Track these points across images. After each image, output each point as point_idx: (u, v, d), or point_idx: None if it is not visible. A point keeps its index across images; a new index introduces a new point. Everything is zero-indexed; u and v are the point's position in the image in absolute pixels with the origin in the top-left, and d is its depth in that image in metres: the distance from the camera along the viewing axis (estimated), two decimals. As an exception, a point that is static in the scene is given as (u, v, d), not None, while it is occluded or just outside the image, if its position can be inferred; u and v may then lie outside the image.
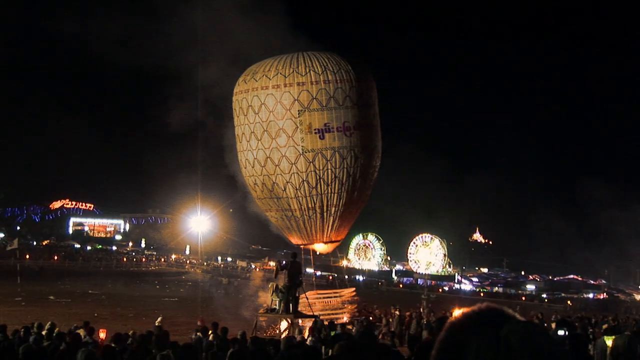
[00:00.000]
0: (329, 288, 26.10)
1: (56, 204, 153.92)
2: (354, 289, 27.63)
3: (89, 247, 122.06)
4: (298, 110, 24.21)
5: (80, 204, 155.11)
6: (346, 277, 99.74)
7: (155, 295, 50.15)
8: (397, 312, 29.88)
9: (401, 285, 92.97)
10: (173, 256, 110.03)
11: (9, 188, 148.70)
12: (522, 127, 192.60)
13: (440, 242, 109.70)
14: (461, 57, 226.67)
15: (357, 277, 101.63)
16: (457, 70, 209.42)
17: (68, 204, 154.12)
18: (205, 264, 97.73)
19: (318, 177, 24.49)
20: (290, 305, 22.83)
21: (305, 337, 17.48)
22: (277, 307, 23.03)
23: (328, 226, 25.42)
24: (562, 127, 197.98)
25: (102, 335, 17.97)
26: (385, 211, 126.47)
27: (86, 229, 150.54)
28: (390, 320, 30.03)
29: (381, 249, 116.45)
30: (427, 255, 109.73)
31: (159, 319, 21.47)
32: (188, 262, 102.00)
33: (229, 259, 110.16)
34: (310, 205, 24.85)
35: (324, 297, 28.55)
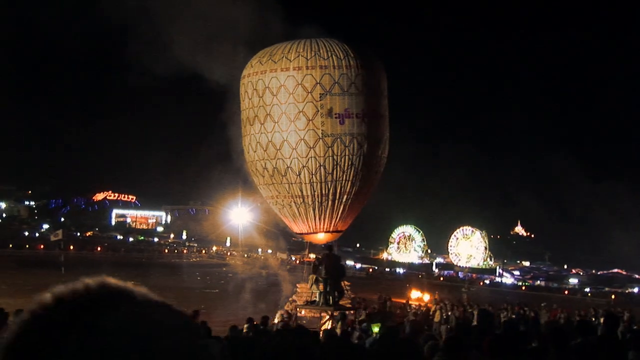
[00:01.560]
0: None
1: (99, 196, 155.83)
2: (348, 283, 27.34)
3: (131, 239, 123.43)
4: (320, 94, 24.07)
5: (123, 195, 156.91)
6: (386, 269, 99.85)
7: (196, 287, 50.52)
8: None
9: (442, 278, 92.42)
10: (214, 248, 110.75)
11: (54, 180, 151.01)
12: (562, 126, 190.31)
13: (482, 235, 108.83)
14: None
15: (397, 269, 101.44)
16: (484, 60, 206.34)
17: (111, 195, 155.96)
18: (245, 255, 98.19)
19: (335, 162, 24.28)
20: (330, 297, 22.80)
21: (345, 330, 17.42)
22: (317, 299, 23.02)
23: (337, 214, 25.24)
24: (602, 121, 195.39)
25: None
26: (425, 203, 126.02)
27: (128, 220, 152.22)
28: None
29: (422, 242, 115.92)
30: (468, 248, 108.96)
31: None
32: (229, 253, 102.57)
33: (270, 251, 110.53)
34: (324, 192, 24.67)
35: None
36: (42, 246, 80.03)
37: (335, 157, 24.19)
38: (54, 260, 57.51)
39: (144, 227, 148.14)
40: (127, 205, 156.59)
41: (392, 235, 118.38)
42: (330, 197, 24.78)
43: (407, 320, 24.20)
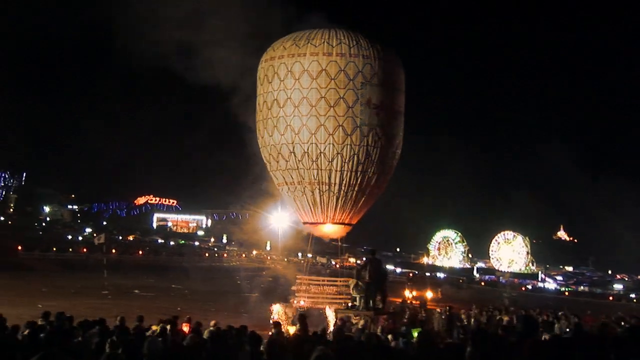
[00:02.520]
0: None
1: (141, 200, 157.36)
2: (350, 280, 27.10)
3: (172, 242, 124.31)
4: (361, 83, 23.98)
5: (164, 200, 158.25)
6: (427, 274, 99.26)
7: (236, 290, 50.62)
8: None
9: (483, 283, 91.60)
10: (254, 252, 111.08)
11: (97, 184, 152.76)
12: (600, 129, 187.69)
13: (523, 240, 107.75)
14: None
15: (438, 274, 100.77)
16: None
17: (152, 200, 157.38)
18: (285, 259, 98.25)
19: (353, 152, 24.14)
20: (371, 301, 22.62)
21: (385, 335, 17.21)
22: (357, 304, 22.85)
23: (349, 206, 25.07)
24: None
25: (186, 329, 18.10)
26: (466, 207, 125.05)
27: (169, 224, 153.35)
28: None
29: (462, 246, 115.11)
30: (510, 252, 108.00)
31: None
32: (269, 257, 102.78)
33: (309, 255, 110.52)
34: (352, 182, 24.56)
35: (317, 284, 28.08)
36: (85, 249, 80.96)
37: (353, 146, 24.01)
38: (96, 263, 58.20)
39: (185, 231, 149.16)
40: (168, 209, 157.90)
41: (432, 239, 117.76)
42: (344, 187, 24.62)
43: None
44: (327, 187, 24.63)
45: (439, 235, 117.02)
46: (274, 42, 25.88)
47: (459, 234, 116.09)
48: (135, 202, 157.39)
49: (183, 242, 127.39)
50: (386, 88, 24.51)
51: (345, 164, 24.21)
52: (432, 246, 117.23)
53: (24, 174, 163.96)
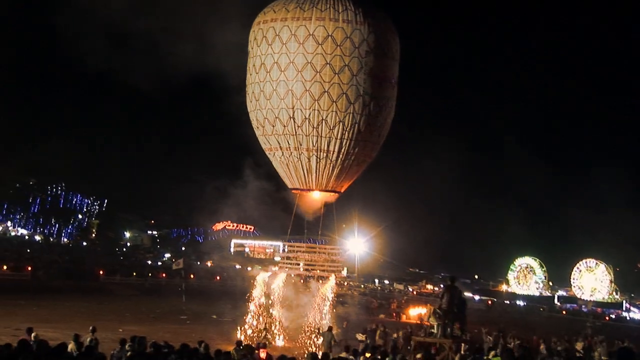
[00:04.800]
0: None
1: (219, 226, 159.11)
2: (338, 248, 26.62)
3: (249, 268, 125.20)
4: (365, 51, 23.72)
5: (242, 226, 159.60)
6: (506, 301, 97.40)
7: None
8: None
9: (564, 312, 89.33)
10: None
11: (175, 210, 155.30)
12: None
13: (606, 268, 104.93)
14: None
15: (517, 302, 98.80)
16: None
17: (230, 225, 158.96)
18: (362, 286, 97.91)
19: (338, 119, 23.78)
20: (449, 329, 22.25)
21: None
22: (435, 331, 22.52)
23: (335, 173, 24.74)
24: None
25: (263, 355, 18.12)
26: (546, 234, 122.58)
27: (247, 250, 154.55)
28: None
29: (542, 274, 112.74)
30: (592, 281, 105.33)
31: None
32: (345, 284, 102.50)
33: (386, 281, 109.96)
34: (350, 151, 24.29)
35: (307, 252, 27.69)
36: (164, 275, 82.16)
37: (339, 112, 23.74)
38: (175, 288, 58.95)
39: (262, 256, 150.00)
40: (246, 235, 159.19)
41: (511, 266, 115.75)
42: (342, 155, 24.35)
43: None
44: (324, 154, 24.38)
45: (518, 263, 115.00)
46: (273, 2, 25.45)
47: (539, 261, 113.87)
48: (213, 227, 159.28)
49: (260, 267, 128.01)
50: (377, 55, 24.28)
51: (346, 132, 23.98)
52: (511, 273, 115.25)
53: (106, 200, 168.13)
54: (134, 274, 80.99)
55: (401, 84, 26.19)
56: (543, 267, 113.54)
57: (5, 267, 70.72)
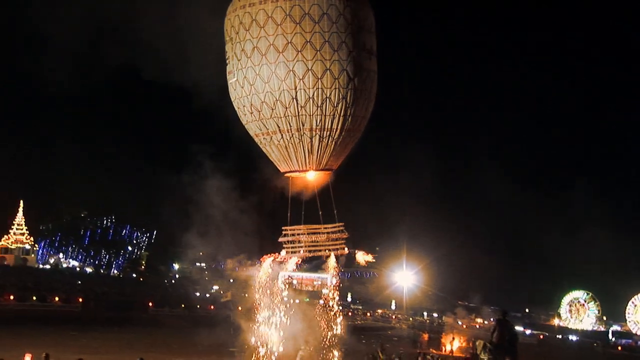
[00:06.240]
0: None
1: (266, 258, 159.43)
2: (341, 223, 26.05)
3: (297, 300, 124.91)
4: (343, 25, 23.80)
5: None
6: (558, 336, 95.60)
7: (361, 350, 50.06)
8: None
9: (620, 348, 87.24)
10: (379, 311, 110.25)
11: (223, 243, 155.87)
12: None
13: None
14: None
15: (570, 336, 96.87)
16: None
17: (277, 257, 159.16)
18: (410, 319, 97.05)
19: (325, 96, 23.52)
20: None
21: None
22: (485, 365, 22.11)
23: (329, 151, 24.37)
24: None
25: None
26: (599, 268, 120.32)
27: (295, 282, 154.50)
28: None
29: (596, 308, 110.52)
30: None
31: None
32: (394, 317, 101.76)
33: (435, 314, 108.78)
34: (335, 126, 24.01)
35: (308, 232, 27.20)
36: (212, 306, 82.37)
37: (324, 89, 23.53)
38: (224, 320, 58.98)
39: (310, 289, 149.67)
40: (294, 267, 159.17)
41: (563, 300, 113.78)
42: (343, 132, 24.13)
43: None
44: (328, 132, 24.21)
45: (570, 296, 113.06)
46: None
47: (592, 295, 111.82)
48: (260, 259, 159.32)
49: (308, 300, 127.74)
50: (355, 28, 24.11)
51: (349, 108, 23.90)
52: (563, 307, 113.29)
53: (155, 232, 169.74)
54: (182, 305, 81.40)
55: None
56: (596, 301, 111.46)
57: (57, 299, 71.68)
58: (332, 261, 26.50)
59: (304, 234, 27.16)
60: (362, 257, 28.93)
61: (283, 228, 27.58)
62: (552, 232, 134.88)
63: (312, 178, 26.13)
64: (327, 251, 26.50)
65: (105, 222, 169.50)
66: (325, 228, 27.19)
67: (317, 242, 27.15)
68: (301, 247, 26.47)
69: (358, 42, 24.23)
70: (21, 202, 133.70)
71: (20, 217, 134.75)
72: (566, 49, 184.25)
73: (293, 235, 27.26)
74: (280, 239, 26.84)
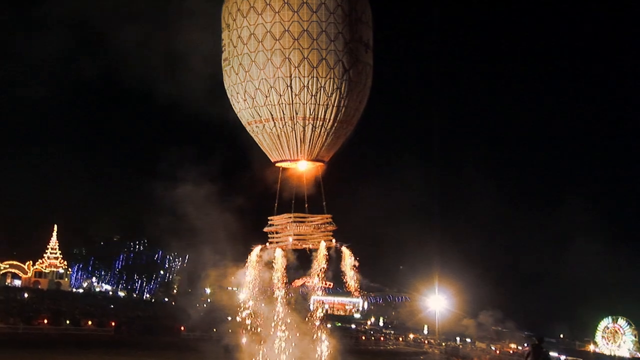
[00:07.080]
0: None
1: (298, 282, 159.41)
2: (329, 215, 25.58)
3: (329, 325, 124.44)
4: (340, 17, 23.65)
5: (321, 282, 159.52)
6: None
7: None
8: None
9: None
10: (411, 335, 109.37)
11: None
12: None
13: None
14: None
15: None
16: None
17: (309, 282, 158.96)
18: (443, 344, 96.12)
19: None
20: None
21: None
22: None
23: (321, 141, 24.05)
24: None
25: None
26: (637, 294, 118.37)
27: (326, 307, 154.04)
28: None
29: (633, 335, 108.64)
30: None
31: None
32: (426, 342, 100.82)
33: (468, 339, 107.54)
34: (328, 116, 23.71)
35: (295, 221, 26.72)
36: (243, 331, 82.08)
37: (319, 78, 23.28)
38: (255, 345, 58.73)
39: (342, 313, 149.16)
40: (325, 291, 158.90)
41: (599, 326, 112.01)
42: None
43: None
44: (321, 122, 24.01)
45: (606, 322, 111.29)
46: None
47: (629, 320, 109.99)
48: (292, 284, 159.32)
49: (339, 324, 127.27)
50: (352, 19, 24.04)
51: (343, 99, 23.71)
52: (599, 333, 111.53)
53: (187, 256, 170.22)
54: (214, 329, 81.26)
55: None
56: (632, 326, 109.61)
57: (90, 323, 71.93)
58: (321, 250, 26.27)
59: (290, 222, 27.02)
60: (348, 259, 28.78)
61: (269, 218, 27.47)
62: (586, 257, 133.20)
63: (303, 168, 26.08)
64: (312, 244, 26.34)
65: (137, 246, 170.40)
66: (313, 218, 27.09)
67: (305, 233, 27.02)
68: (289, 235, 26.28)
69: (355, 34, 24.28)
70: (55, 226, 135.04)
71: (54, 242, 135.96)
72: (556, 62, 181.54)
73: (280, 225, 27.09)
74: (266, 229, 26.63)
